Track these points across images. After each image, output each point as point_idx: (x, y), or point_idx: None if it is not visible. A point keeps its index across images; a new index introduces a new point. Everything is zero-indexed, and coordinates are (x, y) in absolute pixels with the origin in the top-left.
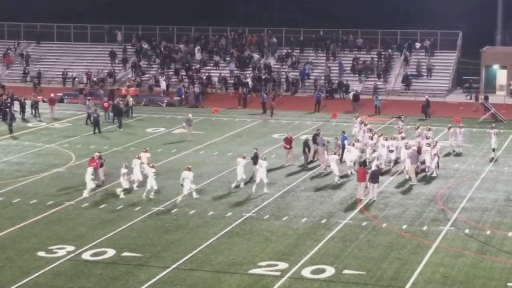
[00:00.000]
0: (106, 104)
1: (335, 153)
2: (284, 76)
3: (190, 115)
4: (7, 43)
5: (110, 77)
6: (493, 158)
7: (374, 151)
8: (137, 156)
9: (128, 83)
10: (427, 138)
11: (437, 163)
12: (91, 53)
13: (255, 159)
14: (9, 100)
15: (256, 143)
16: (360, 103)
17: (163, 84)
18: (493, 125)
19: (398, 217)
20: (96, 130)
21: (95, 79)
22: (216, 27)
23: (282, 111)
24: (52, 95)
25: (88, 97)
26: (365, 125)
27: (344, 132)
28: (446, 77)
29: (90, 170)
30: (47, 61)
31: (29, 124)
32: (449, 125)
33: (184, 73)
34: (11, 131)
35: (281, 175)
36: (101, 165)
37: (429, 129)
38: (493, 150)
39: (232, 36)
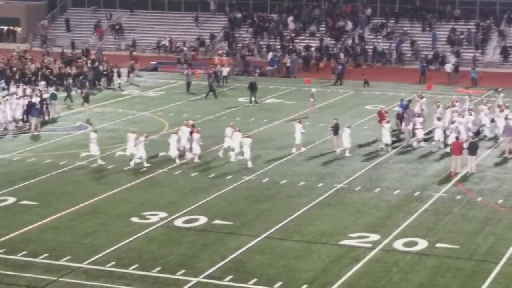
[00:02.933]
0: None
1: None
2: (373, 47)
3: (313, 89)
4: (102, 12)
5: (201, 46)
6: None
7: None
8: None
9: (219, 52)
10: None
11: None
12: (185, 22)
13: (335, 129)
14: (89, 66)
15: (348, 114)
16: (459, 75)
17: (285, 60)
18: None
19: (494, 192)
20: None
21: (185, 48)
22: None
23: (376, 82)
24: (134, 53)
25: (183, 65)
26: (422, 98)
27: (402, 100)
28: None
29: (174, 137)
30: (141, 30)
31: (124, 92)
32: None
33: (277, 43)
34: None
35: (374, 146)
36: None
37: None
38: None
39: (326, 6)
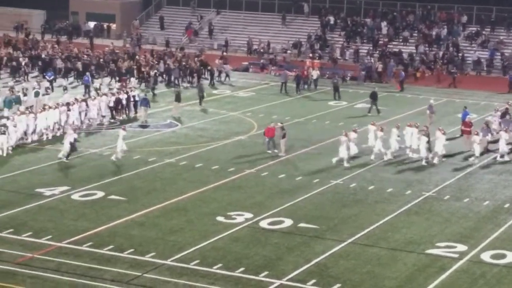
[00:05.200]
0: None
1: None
2: (462, 55)
3: (431, 100)
4: (197, 12)
5: (294, 48)
6: None
7: None
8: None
9: (310, 55)
10: None
11: None
12: (278, 24)
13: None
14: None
15: (439, 123)
16: None
17: (377, 66)
18: None
19: None
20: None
21: (287, 50)
22: (405, 2)
23: (469, 91)
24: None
25: (274, 67)
26: (496, 111)
27: (465, 107)
28: None
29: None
30: (234, 30)
31: (215, 92)
32: None
33: (370, 48)
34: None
35: (463, 155)
36: (283, 136)
37: None
38: None
39: (421, 12)
